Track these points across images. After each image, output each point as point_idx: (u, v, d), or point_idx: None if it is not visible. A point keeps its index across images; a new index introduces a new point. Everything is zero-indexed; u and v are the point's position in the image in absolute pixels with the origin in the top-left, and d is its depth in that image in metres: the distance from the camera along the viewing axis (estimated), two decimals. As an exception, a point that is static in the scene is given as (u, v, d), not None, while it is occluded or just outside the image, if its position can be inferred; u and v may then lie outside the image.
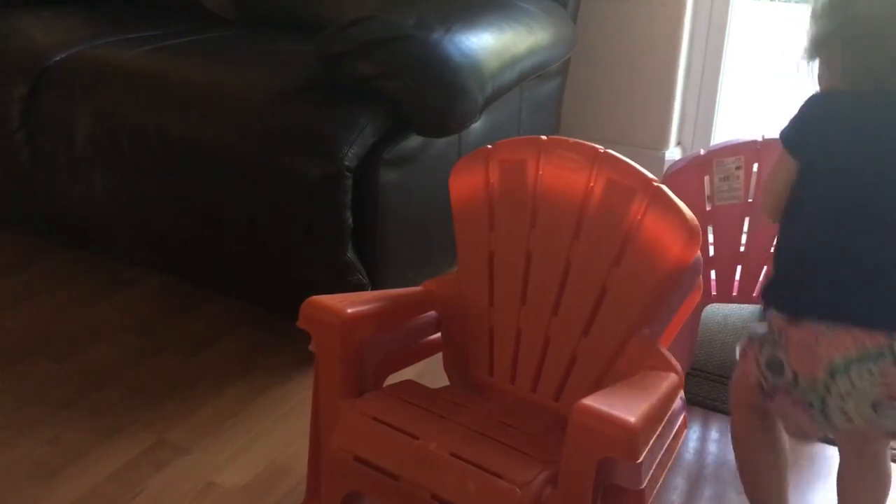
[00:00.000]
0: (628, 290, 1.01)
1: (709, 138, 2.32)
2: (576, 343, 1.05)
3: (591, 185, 1.02)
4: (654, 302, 1.00)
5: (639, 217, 0.99)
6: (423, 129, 1.49)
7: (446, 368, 1.19)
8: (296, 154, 1.41)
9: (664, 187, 0.98)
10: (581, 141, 1.05)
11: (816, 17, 0.99)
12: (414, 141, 1.51)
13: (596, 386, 1.02)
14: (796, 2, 3.83)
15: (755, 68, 3.30)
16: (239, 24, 2.14)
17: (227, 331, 1.65)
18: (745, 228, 1.48)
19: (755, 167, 1.43)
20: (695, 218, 0.97)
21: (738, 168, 1.44)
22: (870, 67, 0.95)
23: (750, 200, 1.45)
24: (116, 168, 1.60)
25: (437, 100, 1.43)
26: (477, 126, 1.61)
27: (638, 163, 1.01)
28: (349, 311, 1.01)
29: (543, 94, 1.99)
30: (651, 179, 0.99)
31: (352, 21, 1.48)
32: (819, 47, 0.99)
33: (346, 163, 1.39)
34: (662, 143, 2.34)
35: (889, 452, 1.07)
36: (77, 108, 1.62)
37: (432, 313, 1.15)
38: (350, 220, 1.43)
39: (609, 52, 2.30)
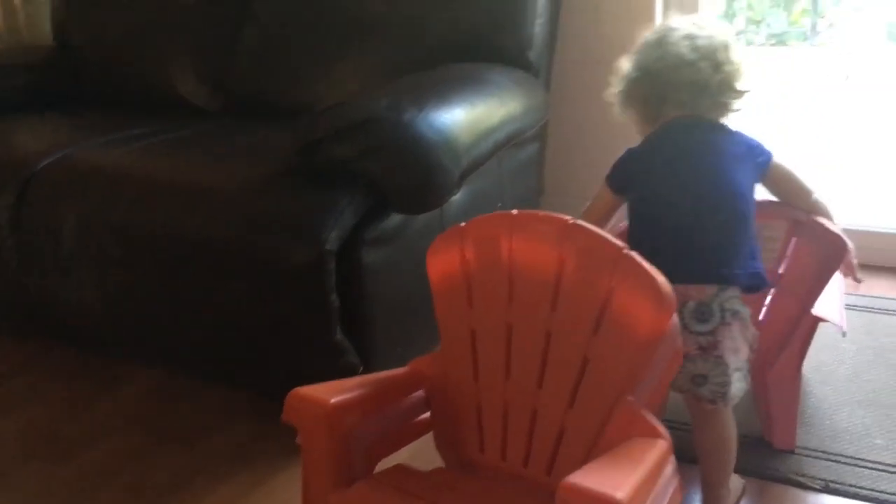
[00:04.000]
0: (609, 358, 1.01)
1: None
2: (562, 414, 1.04)
3: (563, 256, 1.03)
4: (635, 368, 0.99)
5: (612, 285, 0.99)
6: (402, 207, 1.51)
7: (438, 447, 1.18)
8: (278, 241, 1.43)
9: (634, 254, 0.99)
10: (551, 213, 1.06)
11: (626, 80, 1.37)
12: (394, 219, 1.53)
13: (586, 456, 1.01)
14: (779, 45, 3.92)
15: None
16: (221, 115, 2.19)
17: (223, 422, 1.64)
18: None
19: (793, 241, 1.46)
20: (667, 283, 0.98)
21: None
22: (660, 108, 1.34)
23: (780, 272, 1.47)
24: (103, 267, 1.62)
25: (412, 178, 1.46)
26: (458, 198, 1.63)
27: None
28: (333, 400, 1.01)
29: (522, 160, 2.02)
30: (621, 247, 1.00)
31: (326, 108, 1.52)
32: (628, 100, 1.39)
33: (328, 247, 1.40)
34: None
35: (731, 420, 1.24)
36: (63, 211, 1.65)
37: (420, 393, 1.15)
38: (336, 303, 1.44)
39: (587, 112, 2.34)
